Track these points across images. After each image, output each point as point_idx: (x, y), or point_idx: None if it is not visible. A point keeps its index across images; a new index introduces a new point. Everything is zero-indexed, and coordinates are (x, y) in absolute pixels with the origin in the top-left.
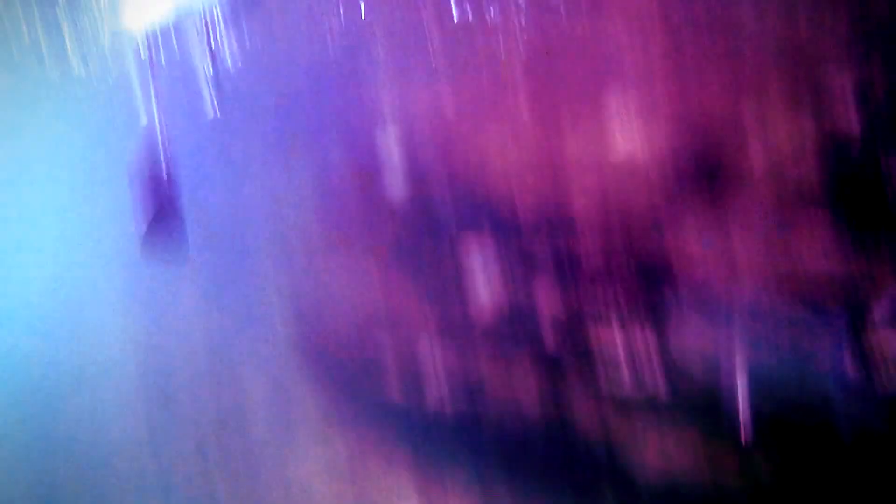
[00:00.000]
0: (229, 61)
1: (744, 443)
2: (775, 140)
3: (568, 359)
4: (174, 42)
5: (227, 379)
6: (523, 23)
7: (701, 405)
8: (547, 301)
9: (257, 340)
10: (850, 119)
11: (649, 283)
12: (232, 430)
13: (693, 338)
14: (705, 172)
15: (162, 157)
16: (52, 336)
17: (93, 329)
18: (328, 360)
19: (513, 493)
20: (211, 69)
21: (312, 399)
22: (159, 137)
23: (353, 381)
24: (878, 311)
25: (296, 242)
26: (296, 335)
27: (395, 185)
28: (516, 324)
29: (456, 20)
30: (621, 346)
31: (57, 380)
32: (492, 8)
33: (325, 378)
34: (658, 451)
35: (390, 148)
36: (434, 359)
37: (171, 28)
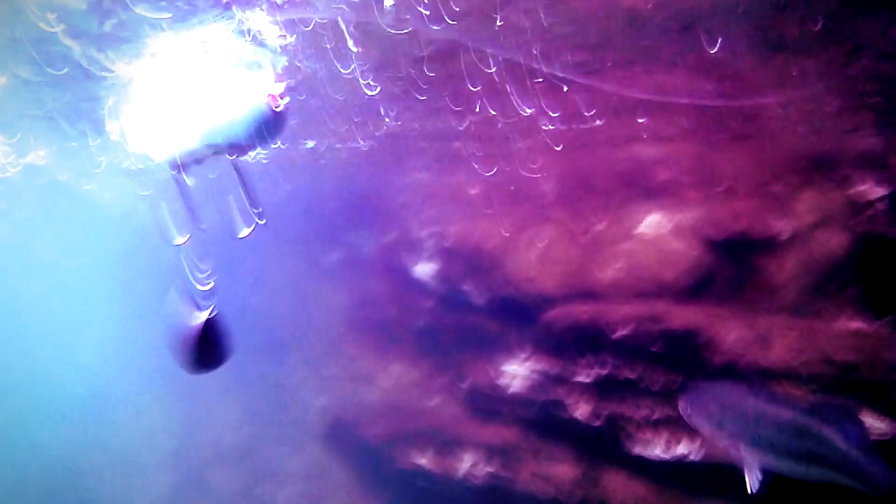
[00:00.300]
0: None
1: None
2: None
3: (599, 430)
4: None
5: (260, 462)
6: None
7: (723, 473)
8: (581, 373)
9: (288, 425)
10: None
11: (678, 363)
12: None
13: (717, 409)
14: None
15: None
16: (90, 421)
17: (126, 417)
18: (358, 440)
19: None
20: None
21: (343, 474)
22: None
23: (383, 458)
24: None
25: (324, 333)
26: (327, 419)
27: (425, 278)
28: (548, 396)
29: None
30: (651, 417)
31: (91, 462)
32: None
33: (354, 455)
34: None
35: (423, 244)
36: (464, 434)
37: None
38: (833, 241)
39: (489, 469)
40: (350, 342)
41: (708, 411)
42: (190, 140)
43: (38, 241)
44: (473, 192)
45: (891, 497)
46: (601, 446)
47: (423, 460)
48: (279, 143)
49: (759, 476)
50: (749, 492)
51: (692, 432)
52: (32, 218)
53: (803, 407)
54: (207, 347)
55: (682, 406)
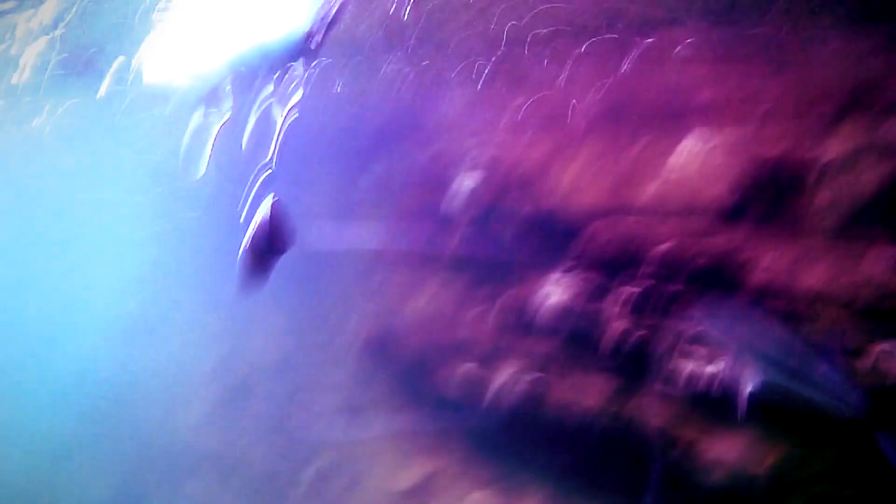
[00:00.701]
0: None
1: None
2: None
3: (634, 346)
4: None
5: (302, 379)
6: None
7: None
8: (614, 300)
9: (327, 339)
10: None
11: (713, 287)
12: (300, 422)
13: (727, 322)
14: (772, 188)
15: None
16: (138, 342)
17: (176, 338)
18: (394, 363)
19: (568, 486)
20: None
21: (382, 385)
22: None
23: (416, 380)
24: None
25: (362, 261)
26: (365, 333)
27: (457, 205)
28: (579, 322)
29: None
30: (687, 334)
31: (141, 382)
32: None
33: (390, 379)
34: (709, 446)
35: (461, 161)
36: (500, 347)
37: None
38: (874, 169)
39: (525, 379)
40: (381, 264)
41: (719, 323)
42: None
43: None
44: (513, 109)
45: (858, 419)
46: (636, 362)
47: (460, 371)
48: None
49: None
50: (737, 416)
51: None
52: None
53: (799, 335)
54: (276, 234)
55: (699, 316)
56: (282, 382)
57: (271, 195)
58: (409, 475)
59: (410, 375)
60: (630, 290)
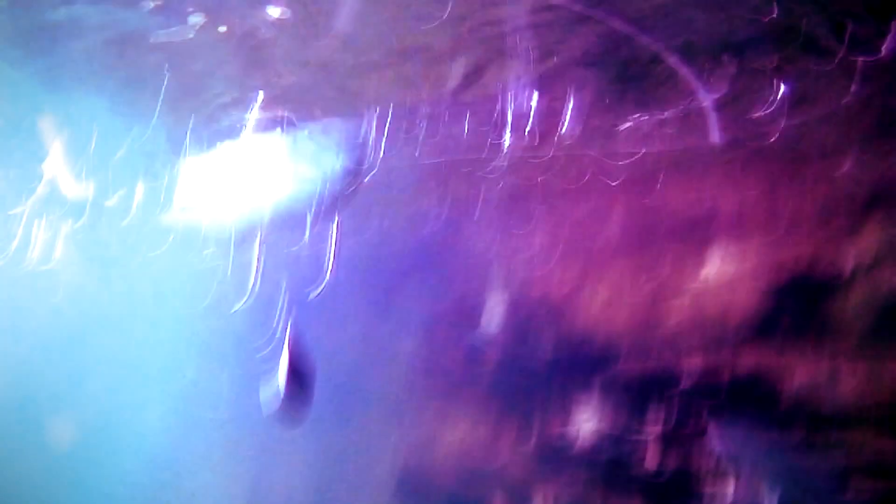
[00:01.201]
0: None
1: None
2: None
3: (666, 481)
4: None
5: None
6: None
7: None
8: (649, 422)
9: (357, 479)
10: None
11: (747, 404)
12: None
13: (793, 451)
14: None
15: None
16: (164, 472)
17: (204, 471)
18: (428, 492)
19: None
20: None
21: None
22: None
23: None
24: None
25: (398, 395)
26: (396, 473)
27: (488, 333)
28: (615, 447)
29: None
30: (718, 467)
31: None
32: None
33: None
34: None
35: (487, 299)
36: (533, 486)
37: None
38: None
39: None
40: (416, 399)
41: (731, 448)
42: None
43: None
44: (534, 244)
45: None
46: (668, 497)
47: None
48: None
49: None
50: None
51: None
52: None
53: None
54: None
55: (711, 442)
56: None
57: (302, 329)
58: None
59: None
60: (665, 412)
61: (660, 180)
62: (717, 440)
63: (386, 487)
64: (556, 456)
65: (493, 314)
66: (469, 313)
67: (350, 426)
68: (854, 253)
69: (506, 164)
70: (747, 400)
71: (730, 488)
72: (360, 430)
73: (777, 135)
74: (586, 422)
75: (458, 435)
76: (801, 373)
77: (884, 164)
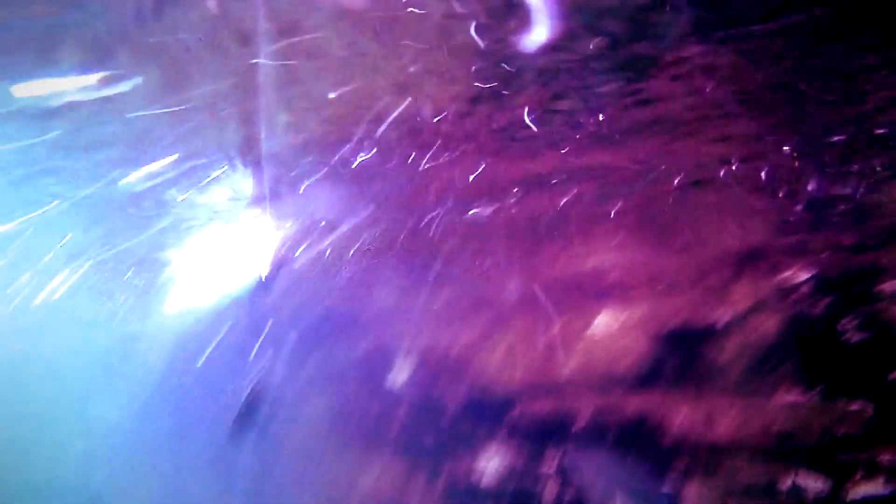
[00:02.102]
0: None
1: None
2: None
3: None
4: None
5: None
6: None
7: None
8: (545, 464)
9: None
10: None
11: (633, 446)
12: None
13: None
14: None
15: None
16: None
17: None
18: None
19: None
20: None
21: None
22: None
23: None
24: None
25: (321, 447)
26: None
27: (399, 384)
28: (518, 483)
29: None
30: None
31: None
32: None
33: None
34: None
35: (395, 353)
36: None
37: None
38: (766, 324)
39: None
40: (329, 448)
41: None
42: None
43: None
44: (439, 302)
45: None
46: None
47: None
48: None
49: None
50: None
51: None
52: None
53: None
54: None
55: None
56: None
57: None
58: None
59: None
60: (560, 453)
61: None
62: (603, 474)
63: None
64: (463, 497)
65: (402, 367)
66: (379, 366)
67: (271, 475)
68: (729, 304)
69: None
70: (635, 437)
71: None
72: (280, 479)
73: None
74: (490, 464)
75: (371, 484)
76: (682, 411)
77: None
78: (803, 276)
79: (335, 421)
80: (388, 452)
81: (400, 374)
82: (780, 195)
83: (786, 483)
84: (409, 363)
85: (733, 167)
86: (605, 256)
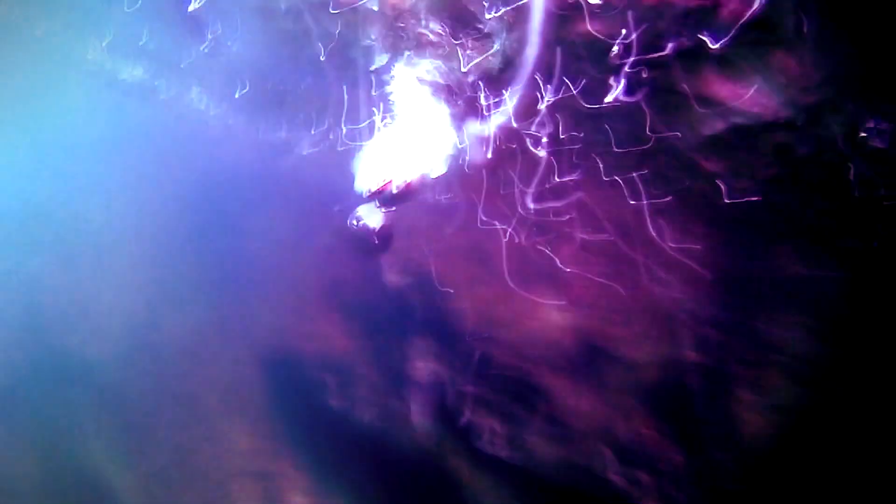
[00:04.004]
0: None
1: None
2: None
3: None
4: None
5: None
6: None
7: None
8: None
9: (240, 345)
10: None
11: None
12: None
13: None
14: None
15: None
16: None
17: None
18: (280, 370)
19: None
20: None
21: (258, 391)
22: None
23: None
24: None
25: (275, 284)
26: (276, 353)
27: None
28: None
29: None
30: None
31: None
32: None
33: (274, 381)
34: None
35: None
36: (362, 377)
37: None
38: None
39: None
40: (311, 303)
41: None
42: None
43: None
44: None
45: None
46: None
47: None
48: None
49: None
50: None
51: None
52: None
53: None
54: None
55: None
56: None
57: None
58: None
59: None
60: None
61: None
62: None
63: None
64: (396, 379)
65: (399, 273)
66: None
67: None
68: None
69: None
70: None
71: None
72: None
73: None
74: (424, 364)
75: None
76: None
77: None
78: None
79: (324, 287)
80: (356, 323)
81: (392, 277)
82: None
83: None
84: (404, 273)
85: None
86: None
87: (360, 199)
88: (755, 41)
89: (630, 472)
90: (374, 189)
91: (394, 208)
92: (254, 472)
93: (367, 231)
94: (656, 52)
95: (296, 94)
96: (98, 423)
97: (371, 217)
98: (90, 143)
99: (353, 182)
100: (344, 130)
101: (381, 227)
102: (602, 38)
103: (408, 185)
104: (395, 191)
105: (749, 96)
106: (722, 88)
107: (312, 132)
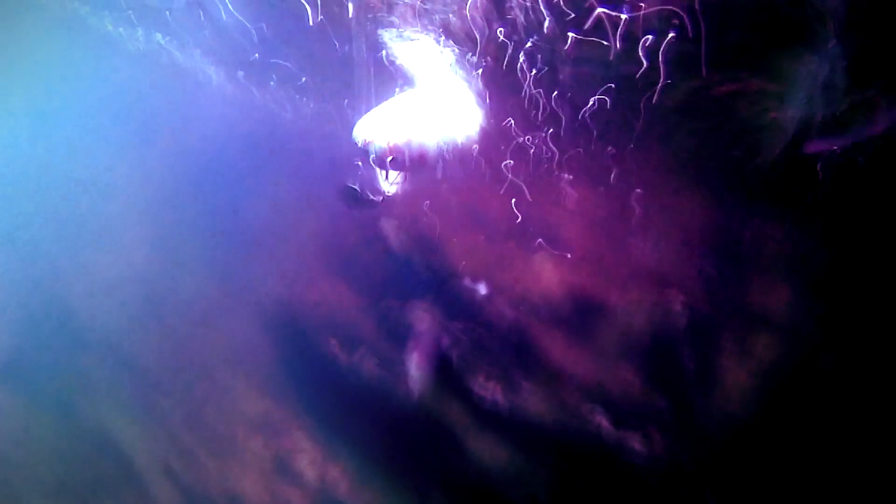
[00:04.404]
0: None
1: None
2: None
3: (452, 363)
4: None
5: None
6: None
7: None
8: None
9: (242, 291)
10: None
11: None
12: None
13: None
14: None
15: None
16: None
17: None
18: (288, 328)
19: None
20: None
21: (265, 351)
22: None
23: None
24: None
25: (280, 246)
26: (275, 301)
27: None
28: (434, 337)
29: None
30: (488, 375)
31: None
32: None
33: (281, 337)
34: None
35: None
36: (367, 336)
37: None
38: None
39: (375, 360)
40: (308, 252)
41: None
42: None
43: None
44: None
45: None
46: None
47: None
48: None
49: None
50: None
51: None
52: None
53: None
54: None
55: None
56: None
57: None
58: None
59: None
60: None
61: None
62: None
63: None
64: (397, 327)
65: (394, 230)
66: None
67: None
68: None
69: None
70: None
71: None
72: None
73: None
74: (423, 314)
75: (328, 287)
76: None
77: None
78: None
79: (321, 236)
80: (354, 274)
81: (389, 230)
82: None
83: None
84: (399, 231)
85: None
86: None
87: (368, 163)
88: None
89: (620, 418)
90: (381, 152)
91: (400, 172)
92: (261, 426)
93: (372, 192)
94: None
95: (305, 56)
96: (108, 385)
97: (378, 179)
98: (87, 105)
99: (360, 146)
100: (355, 94)
101: (388, 190)
102: None
103: (416, 151)
104: (402, 155)
105: None
106: None
107: (322, 94)
